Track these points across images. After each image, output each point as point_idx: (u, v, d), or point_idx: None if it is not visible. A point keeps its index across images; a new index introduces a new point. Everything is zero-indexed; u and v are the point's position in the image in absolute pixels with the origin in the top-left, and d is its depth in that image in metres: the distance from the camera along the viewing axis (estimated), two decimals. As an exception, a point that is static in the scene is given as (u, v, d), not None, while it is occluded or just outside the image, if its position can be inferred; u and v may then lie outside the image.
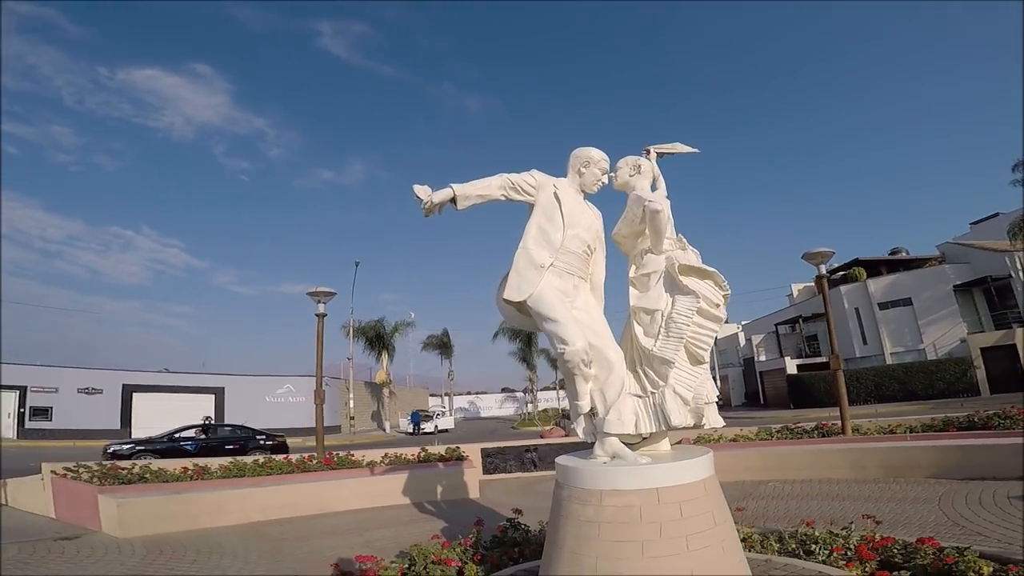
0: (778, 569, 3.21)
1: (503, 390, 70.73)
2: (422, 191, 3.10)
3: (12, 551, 5.48)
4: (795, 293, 40.03)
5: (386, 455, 9.93)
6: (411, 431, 35.39)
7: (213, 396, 30.38)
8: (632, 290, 3.24)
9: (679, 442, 8.80)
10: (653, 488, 2.52)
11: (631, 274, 3.29)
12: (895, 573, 2.92)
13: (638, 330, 3.10)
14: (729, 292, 3.15)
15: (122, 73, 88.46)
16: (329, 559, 4.81)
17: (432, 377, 61.60)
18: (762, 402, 36.43)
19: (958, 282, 28.74)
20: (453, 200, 3.15)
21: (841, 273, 34.00)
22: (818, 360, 32.80)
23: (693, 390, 2.94)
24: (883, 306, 30.46)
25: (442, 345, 52.22)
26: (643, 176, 3.40)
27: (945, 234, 61.26)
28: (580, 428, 3.16)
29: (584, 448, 3.18)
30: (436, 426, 35.69)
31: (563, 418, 20.04)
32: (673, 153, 3.72)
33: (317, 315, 10.75)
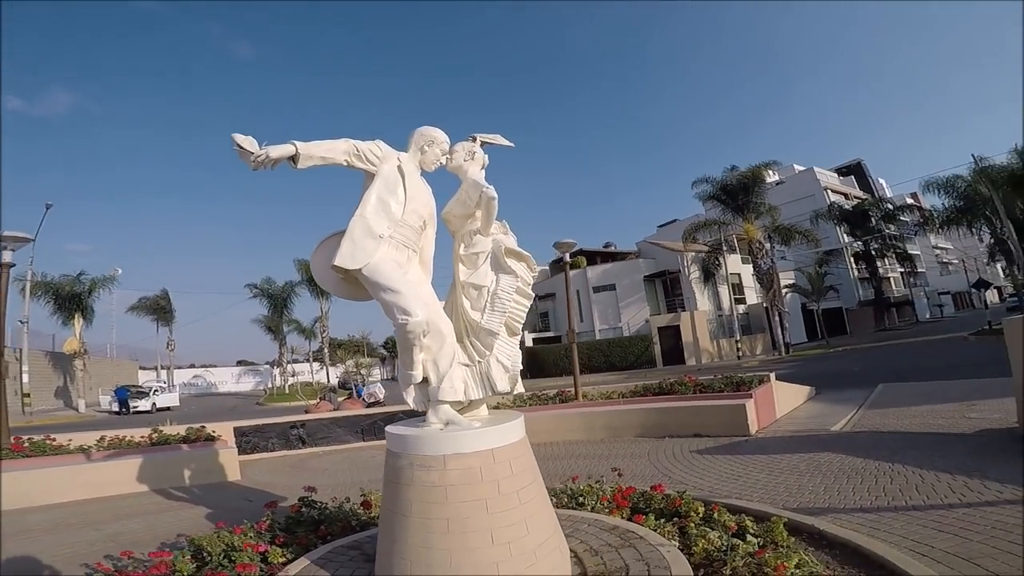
0: (564, 520, 3.81)
1: (239, 363, 63.55)
2: (248, 142, 2.83)
3: None
4: (533, 274, 45.81)
5: (103, 437, 8.29)
6: (117, 410, 29.26)
7: None
8: (460, 267, 3.47)
9: (497, 406, 9.69)
10: (489, 449, 2.86)
11: (460, 252, 3.52)
12: (645, 515, 3.76)
13: (466, 304, 3.38)
14: (537, 273, 3.67)
15: None
16: (67, 559, 3.99)
17: (143, 348, 51.66)
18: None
19: (647, 273, 36.92)
20: (292, 158, 2.97)
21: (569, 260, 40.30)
22: (548, 334, 38.48)
23: (511, 359, 3.38)
24: (596, 290, 37.20)
25: (159, 309, 44.13)
26: (476, 162, 3.65)
27: (645, 232, 77.79)
28: (411, 397, 3.33)
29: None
30: (154, 404, 30.31)
31: (330, 391, 19.23)
32: (494, 144, 4.11)
33: (1, 265, 8.18)
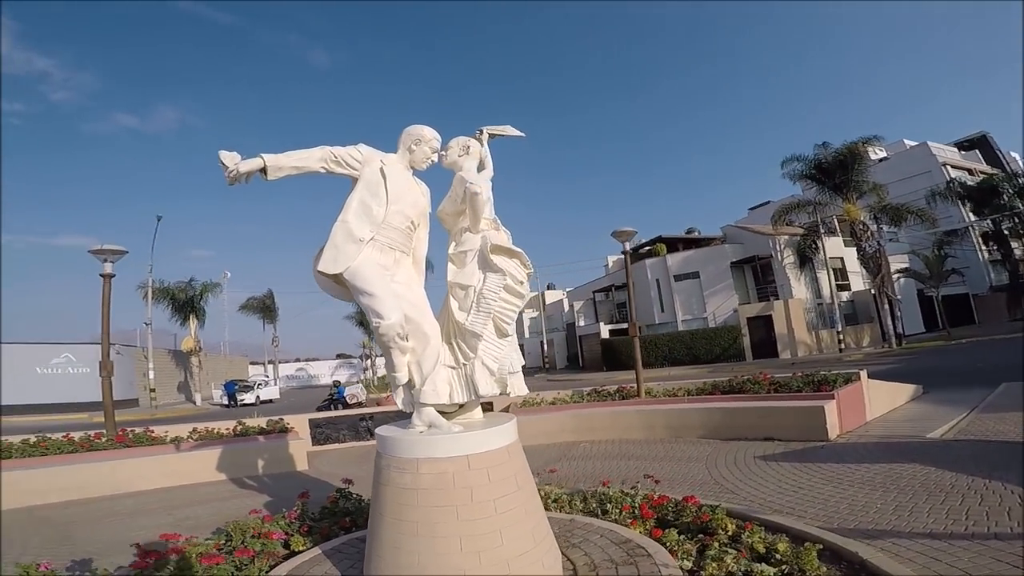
0: (579, 528, 3.68)
1: (338, 356, 67.96)
2: (229, 158, 2.89)
3: None
4: (610, 264, 44.13)
5: (195, 430, 9.09)
6: (227, 403, 32.35)
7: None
8: (450, 266, 3.40)
9: (506, 409, 9.63)
10: (464, 455, 2.77)
11: (450, 251, 3.46)
12: (667, 530, 3.44)
13: (453, 304, 3.28)
14: (532, 271, 3.47)
15: None
16: (132, 540, 4.38)
17: (252, 344, 56.71)
18: (581, 364, 40.47)
19: (734, 259, 34.60)
20: (263, 170, 3.00)
21: (647, 248, 38.77)
22: (626, 326, 37.46)
23: (499, 361, 3.22)
24: (678, 278, 35.50)
25: (264, 308, 48.23)
26: (471, 157, 3.56)
27: (734, 216, 73.54)
28: (399, 399, 3.30)
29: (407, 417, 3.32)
30: (258, 396, 33.06)
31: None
32: (503, 135, 3.97)
33: (103, 276, 9.18)
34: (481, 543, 2.62)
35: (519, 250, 3.39)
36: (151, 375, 29.68)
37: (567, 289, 49.84)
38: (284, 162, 3.05)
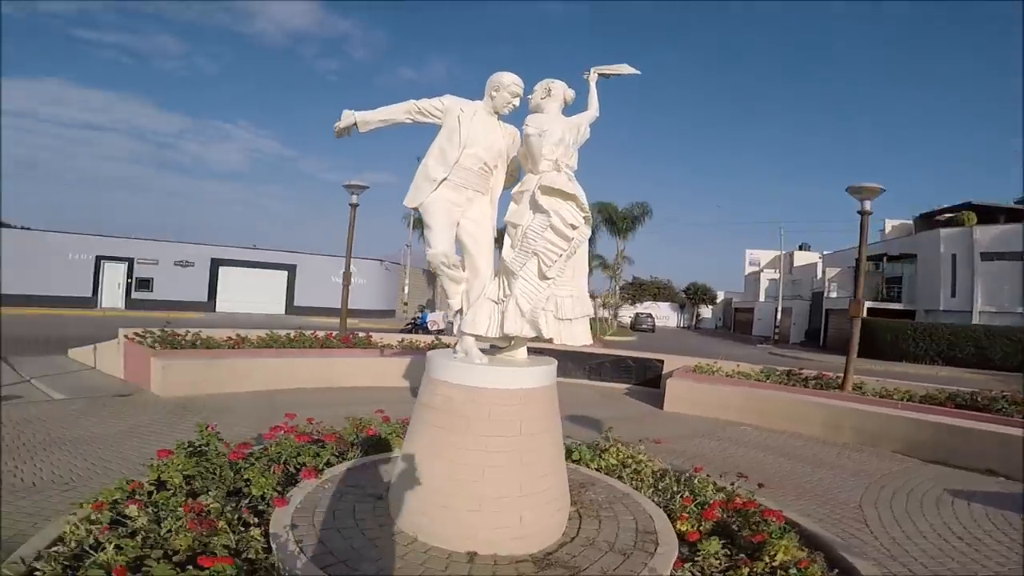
0: (613, 500, 3.51)
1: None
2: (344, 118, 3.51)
3: (80, 404, 6.71)
4: (888, 229, 36.38)
5: (402, 340, 11.14)
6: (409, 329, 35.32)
7: (286, 273, 32.98)
8: (511, 204, 3.47)
9: (669, 374, 9.23)
10: (469, 386, 2.92)
11: (512, 190, 3.52)
12: (711, 538, 2.98)
13: (507, 242, 3.36)
14: (588, 215, 3.31)
15: None
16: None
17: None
18: (822, 343, 34.80)
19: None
20: (355, 125, 3.51)
21: (948, 215, 30.47)
22: (895, 307, 30.53)
23: (532, 302, 3.18)
24: (986, 257, 27.27)
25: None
26: (553, 99, 3.50)
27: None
28: (455, 325, 3.61)
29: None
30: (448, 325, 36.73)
31: None
32: (619, 74, 3.81)
33: (351, 205, 11.48)
34: (463, 472, 2.79)
35: (573, 192, 3.26)
36: (406, 291, 35.74)
37: (824, 252, 42.53)
38: (371, 117, 3.54)
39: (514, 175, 3.80)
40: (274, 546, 2.50)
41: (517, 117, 3.67)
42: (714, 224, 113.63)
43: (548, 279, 3.24)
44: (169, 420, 6.27)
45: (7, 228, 26.32)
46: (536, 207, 3.21)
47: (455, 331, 3.61)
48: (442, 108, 3.49)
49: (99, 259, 27.40)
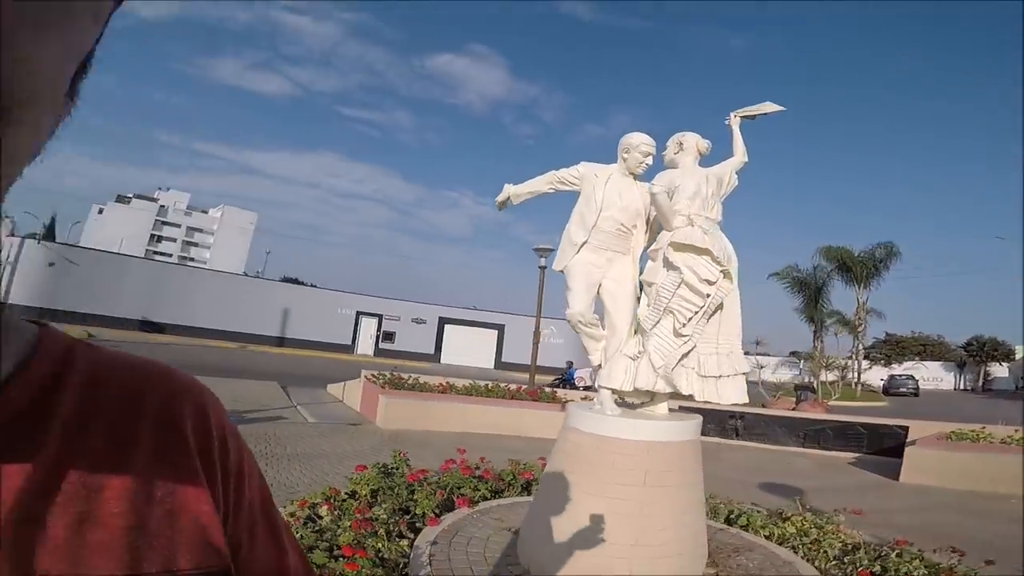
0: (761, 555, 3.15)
1: (792, 354, 63.21)
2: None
3: (323, 428, 8.51)
4: None
5: (586, 397, 11.15)
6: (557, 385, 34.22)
7: (496, 332, 36.01)
8: (648, 263, 3.54)
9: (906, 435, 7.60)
10: (596, 434, 3.05)
11: (649, 248, 3.59)
12: None
13: (644, 300, 3.45)
14: (727, 267, 3.20)
15: (428, 61, 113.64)
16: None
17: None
18: None
19: None
20: (509, 198, 3.98)
21: None
22: None
23: (666, 359, 3.15)
24: None
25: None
26: (686, 152, 3.54)
27: None
28: (595, 380, 3.74)
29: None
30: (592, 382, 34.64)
31: (805, 389, 17.30)
32: (764, 114, 3.70)
33: (540, 268, 12.31)
34: (581, 516, 2.88)
35: (708, 246, 3.20)
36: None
37: None
38: (521, 190, 3.97)
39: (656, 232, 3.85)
40: (412, 555, 2.89)
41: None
42: (996, 263, 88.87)
43: (683, 336, 3.21)
44: (381, 447, 7.47)
45: (298, 284, 34.23)
46: (668, 264, 3.24)
47: (596, 386, 3.72)
48: (578, 176, 3.74)
49: (358, 314, 33.48)
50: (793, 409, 11.70)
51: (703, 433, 10.17)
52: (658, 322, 3.21)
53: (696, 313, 3.15)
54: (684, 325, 3.16)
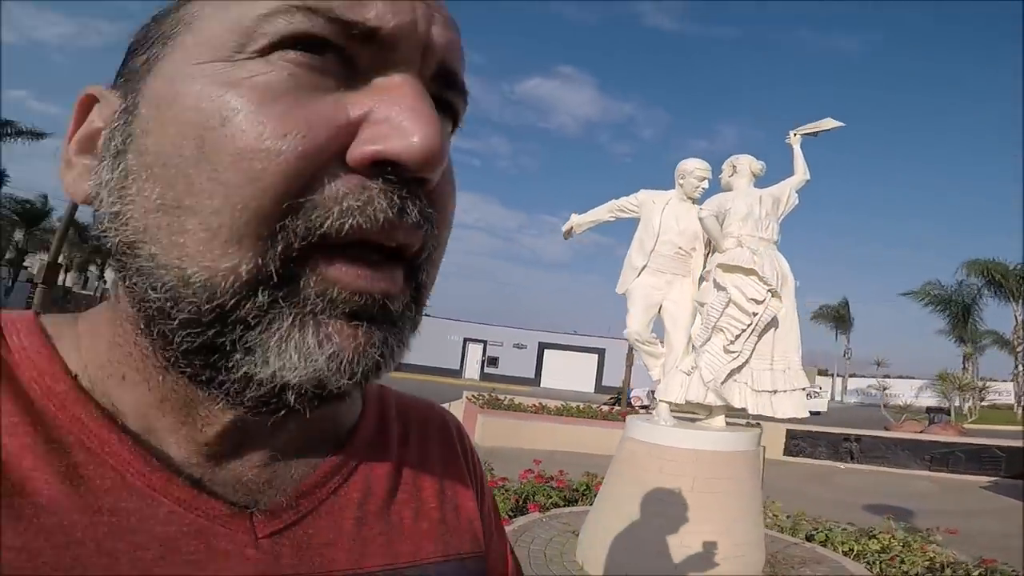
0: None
1: (938, 376, 55.49)
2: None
3: None
4: None
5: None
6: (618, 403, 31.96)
7: (596, 356, 35.66)
8: (702, 283, 3.75)
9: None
10: (648, 442, 3.30)
11: (703, 270, 3.78)
12: None
13: (698, 319, 3.64)
14: (774, 286, 3.29)
15: (517, 86, 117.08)
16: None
17: (823, 352, 54.32)
18: None
19: None
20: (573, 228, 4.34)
21: None
22: None
23: (715, 373, 3.31)
24: None
25: (837, 317, 45.64)
26: (739, 175, 3.72)
27: None
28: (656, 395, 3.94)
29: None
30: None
31: (938, 411, 15.17)
32: (825, 130, 3.78)
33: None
34: (631, 518, 3.11)
35: (754, 267, 3.35)
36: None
37: None
38: (583, 220, 4.32)
39: None
40: (480, 552, 3.31)
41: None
42: None
43: (732, 352, 3.38)
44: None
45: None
46: (716, 284, 3.45)
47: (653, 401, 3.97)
48: (637, 203, 4.01)
49: (466, 340, 35.01)
50: (921, 432, 10.53)
51: (813, 456, 9.71)
52: (708, 339, 3.41)
53: (744, 331, 3.30)
54: (732, 342, 3.33)
